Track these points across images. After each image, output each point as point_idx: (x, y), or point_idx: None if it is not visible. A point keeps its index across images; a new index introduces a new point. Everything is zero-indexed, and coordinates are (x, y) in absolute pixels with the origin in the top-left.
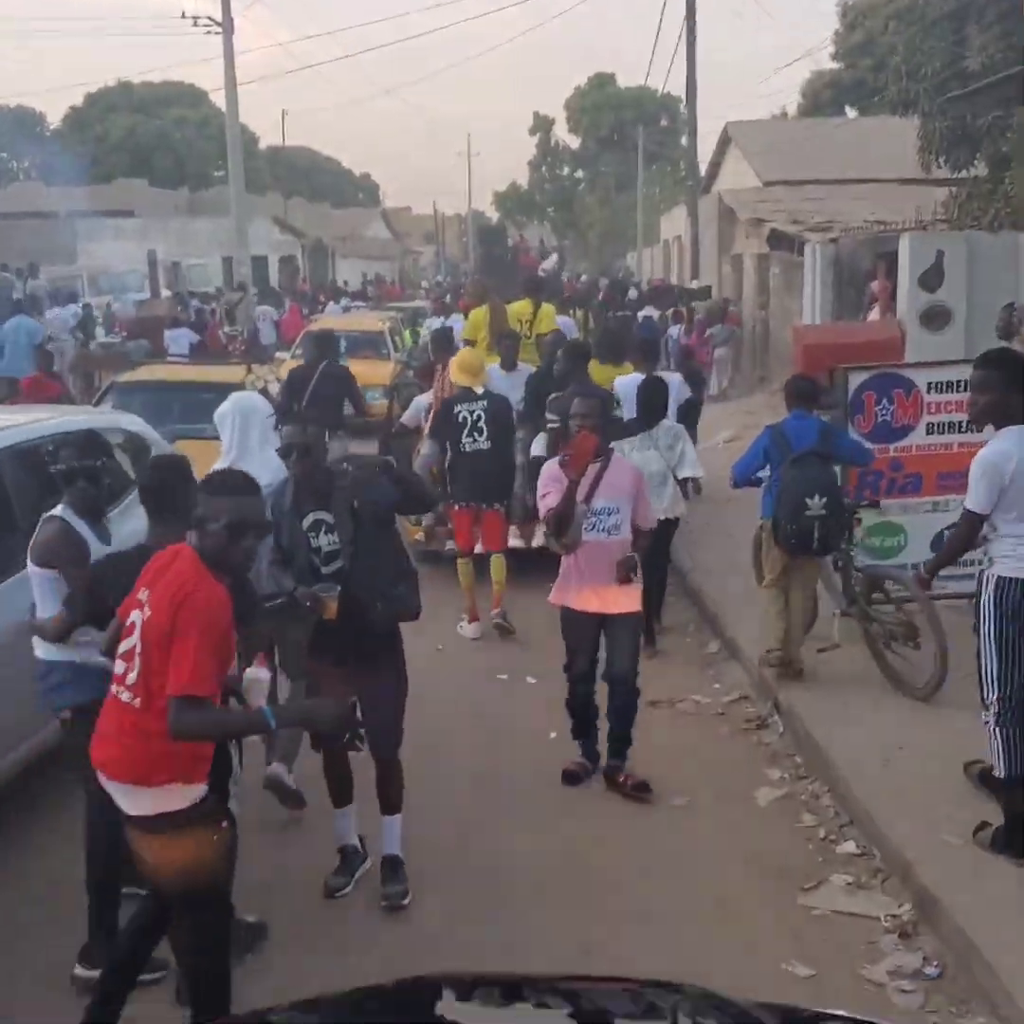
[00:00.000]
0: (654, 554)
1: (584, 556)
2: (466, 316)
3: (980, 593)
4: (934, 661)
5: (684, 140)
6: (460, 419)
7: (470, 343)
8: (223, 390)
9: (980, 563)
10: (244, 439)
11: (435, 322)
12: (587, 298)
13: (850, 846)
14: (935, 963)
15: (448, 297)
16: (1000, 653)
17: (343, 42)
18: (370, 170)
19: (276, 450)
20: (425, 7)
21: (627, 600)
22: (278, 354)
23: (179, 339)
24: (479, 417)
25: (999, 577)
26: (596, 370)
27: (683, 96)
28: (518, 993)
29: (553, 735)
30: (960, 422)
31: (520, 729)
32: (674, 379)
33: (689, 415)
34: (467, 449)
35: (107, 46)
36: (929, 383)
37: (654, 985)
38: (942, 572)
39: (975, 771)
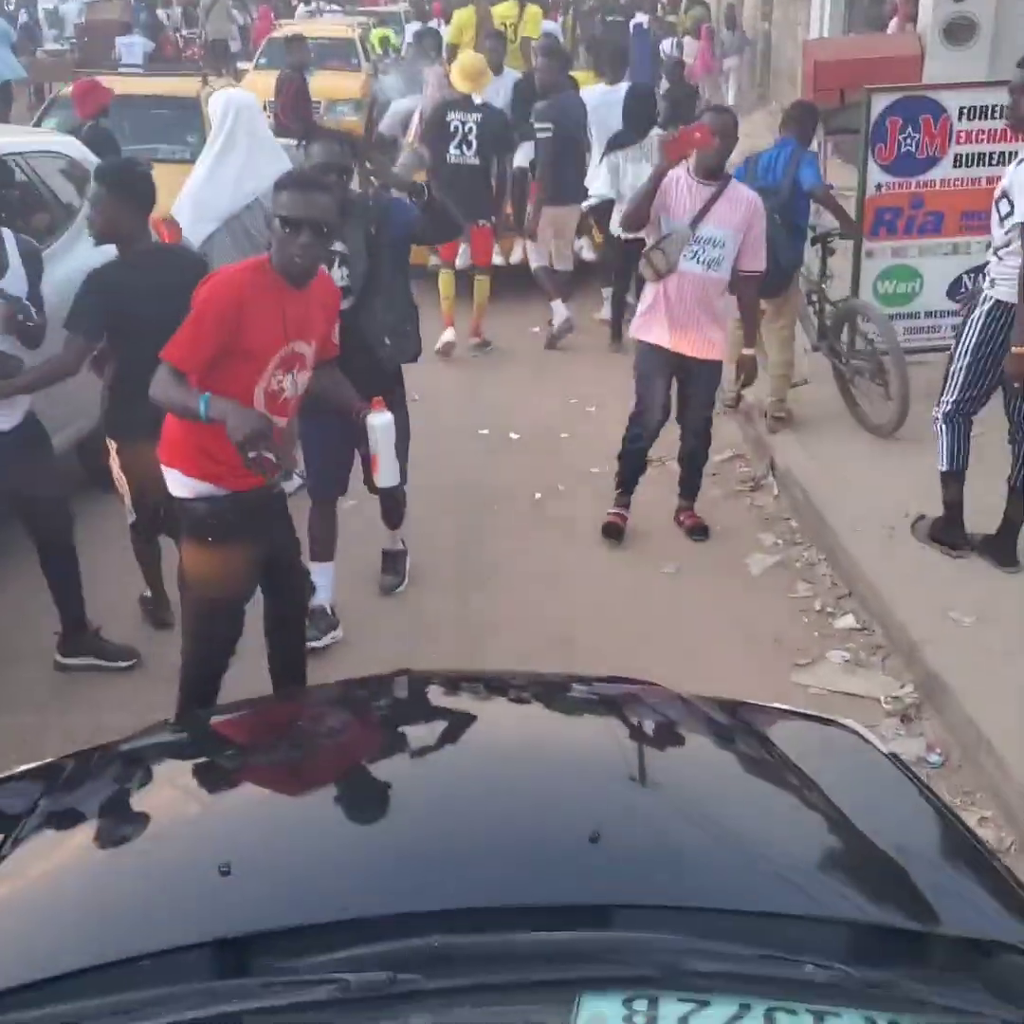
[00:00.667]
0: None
1: (676, 287)
2: (440, 20)
3: (973, 310)
4: (897, 400)
5: None
6: (451, 128)
7: (454, 47)
8: (177, 106)
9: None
10: (251, 136)
11: (413, 27)
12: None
13: (849, 620)
14: (938, 750)
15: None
16: (972, 363)
17: None
18: None
19: (310, 167)
20: None
21: (714, 347)
22: (239, 64)
23: (133, 47)
24: (470, 129)
25: (996, 300)
26: (580, 76)
27: None
28: (490, 686)
29: (538, 496)
30: (991, 154)
31: (503, 489)
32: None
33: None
34: (452, 160)
35: None
36: (961, 108)
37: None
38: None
39: (923, 527)
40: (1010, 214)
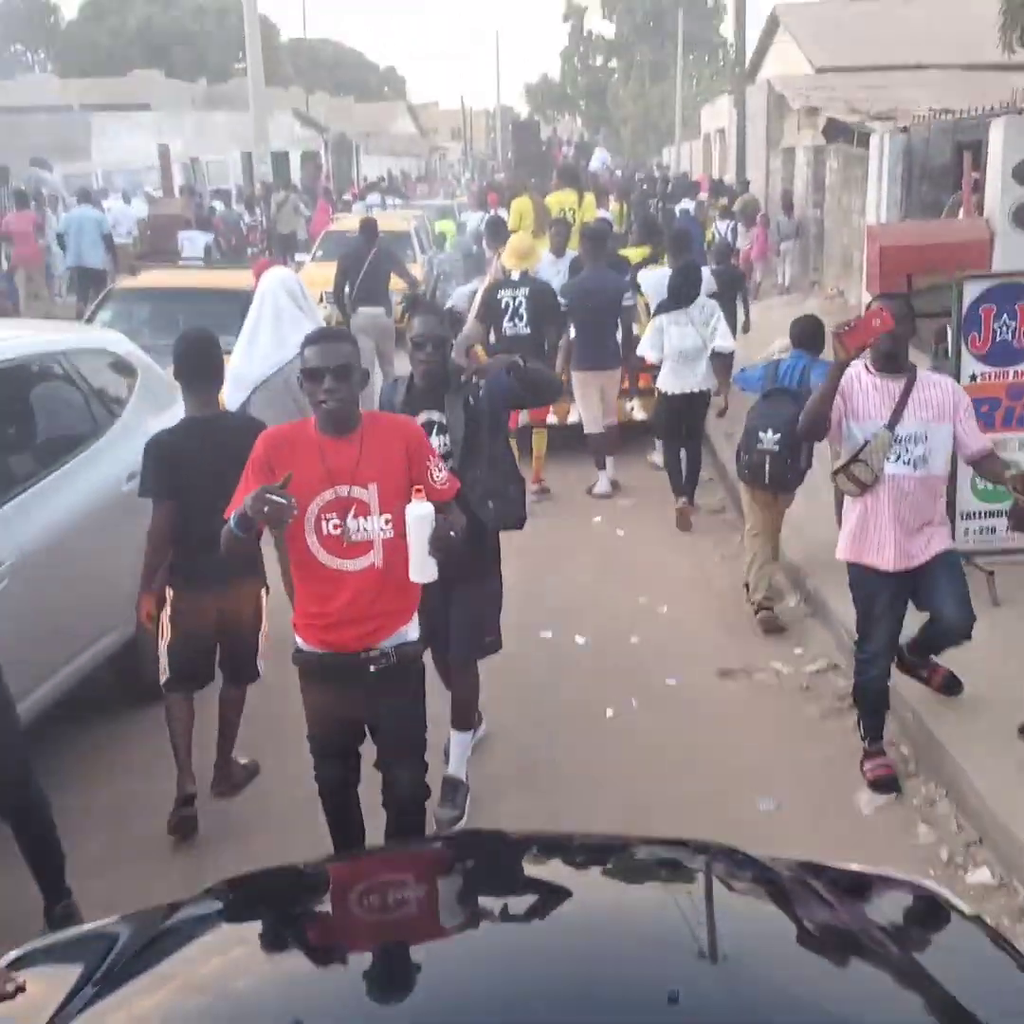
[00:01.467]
0: (690, 428)
1: (886, 497)
2: (495, 209)
3: None
4: None
5: (725, 27)
6: (503, 305)
7: (515, 232)
8: (233, 298)
9: None
10: (276, 314)
11: (474, 216)
12: (626, 190)
13: (983, 874)
14: None
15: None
16: None
17: None
18: (396, 64)
19: (412, 338)
20: None
21: (939, 539)
22: (297, 255)
23: (195, 240)
24: (520, 303)
25: None
26: (631, 251)
27: None
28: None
29: (610, 713)
30: None
31: (574, 704)
32: (703, 272)
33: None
34: (507, 333)
35: None
36: None
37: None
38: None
39: None
40: None
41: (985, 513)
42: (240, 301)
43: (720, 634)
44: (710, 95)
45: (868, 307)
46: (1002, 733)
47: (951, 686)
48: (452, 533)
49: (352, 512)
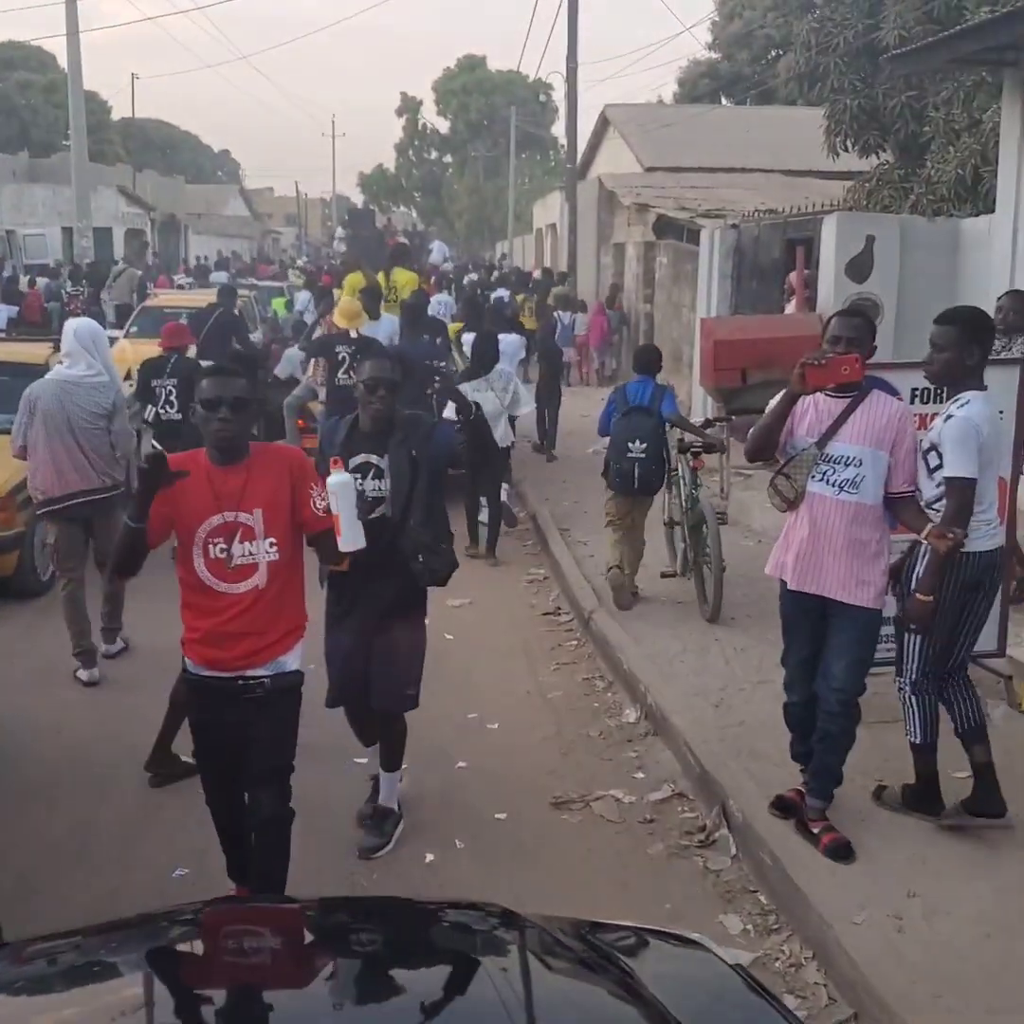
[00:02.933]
0: (490, 480)
1: (808, 516)
2: (330, 289)
3: (914, 569)
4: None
5: (557, 127)
6: (339, 357)
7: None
8: (23, 373)
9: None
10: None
11: (302, 296)
12: (459, 278)
13: None
14: None
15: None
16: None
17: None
18: (230, 148)
19: (363, 382)
20: None
21: (863, 588)
22: (111, 332)
23: None
24: (346, 358)
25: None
26: (453, 325)
27: (553, 81)
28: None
29: (429, 858)
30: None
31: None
32: (512, 338)
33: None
34: (340, 382)
35: None
36: (914, 390)
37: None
38: None
39: (893, 796)
40: (939, 467)
41: None
42: (34, 376)
43: (554, 755)
44: (542, 192)
45: (830, 341)
46: (878, 889)
47: (839, 852)
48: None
49: (238, 536)
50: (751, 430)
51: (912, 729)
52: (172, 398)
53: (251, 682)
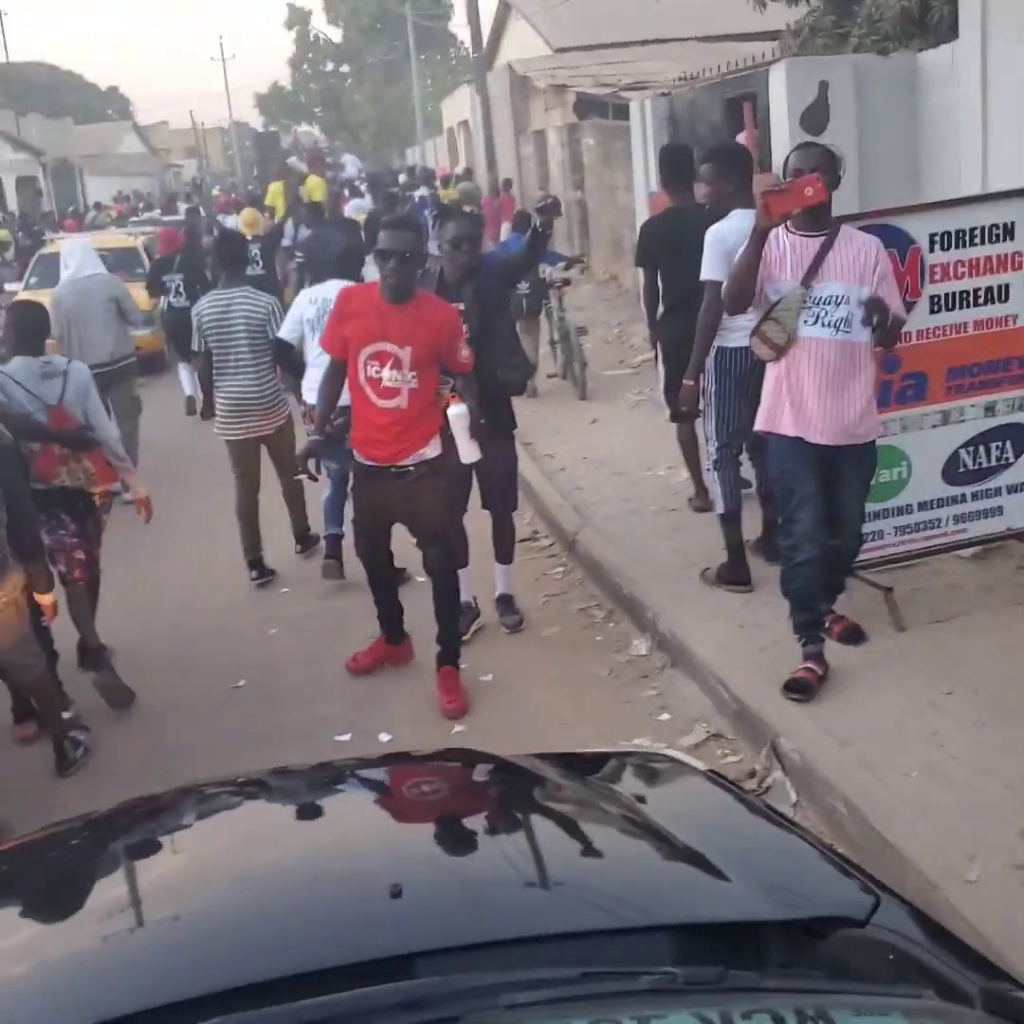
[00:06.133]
0: None
1: (803, 361)
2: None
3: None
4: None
5: (454, 23)
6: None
7: (271, 209)
8: None
9: None
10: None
11: (229, 220)
12: (374, 185)
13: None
14: None
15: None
16: (719, 409)
17: None
18: (118, 84)
19: (448, 240)
20: None
21: (864, 422)
22: (7, 285)
23: None
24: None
25: (718, 347)
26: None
27: None
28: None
29: None
30: (975, 291)
31: None
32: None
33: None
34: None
35: None
36: (933, 236)
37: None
38: None
39: (710, 576)
40: None
41: (869, 515)
42: None
43: (562, 703)
44: (448, 91)
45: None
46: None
47: (852, 636)
48: (481, 421)
49: (389, 364)
50: (725, 282)
51: (717, 501)
52: (180, 289)
53: (400, 469)
